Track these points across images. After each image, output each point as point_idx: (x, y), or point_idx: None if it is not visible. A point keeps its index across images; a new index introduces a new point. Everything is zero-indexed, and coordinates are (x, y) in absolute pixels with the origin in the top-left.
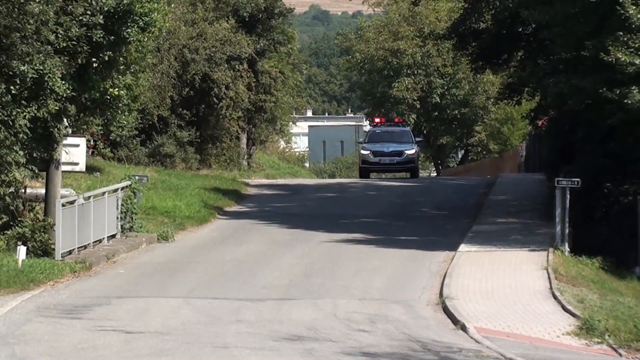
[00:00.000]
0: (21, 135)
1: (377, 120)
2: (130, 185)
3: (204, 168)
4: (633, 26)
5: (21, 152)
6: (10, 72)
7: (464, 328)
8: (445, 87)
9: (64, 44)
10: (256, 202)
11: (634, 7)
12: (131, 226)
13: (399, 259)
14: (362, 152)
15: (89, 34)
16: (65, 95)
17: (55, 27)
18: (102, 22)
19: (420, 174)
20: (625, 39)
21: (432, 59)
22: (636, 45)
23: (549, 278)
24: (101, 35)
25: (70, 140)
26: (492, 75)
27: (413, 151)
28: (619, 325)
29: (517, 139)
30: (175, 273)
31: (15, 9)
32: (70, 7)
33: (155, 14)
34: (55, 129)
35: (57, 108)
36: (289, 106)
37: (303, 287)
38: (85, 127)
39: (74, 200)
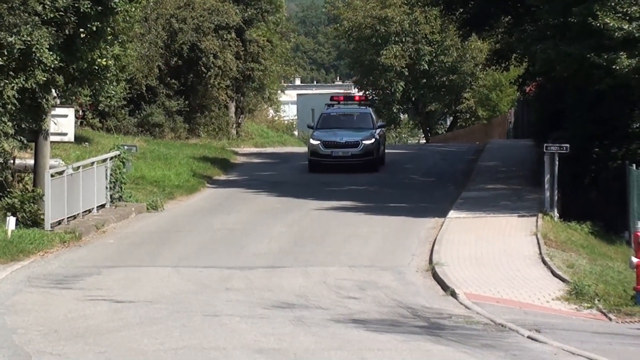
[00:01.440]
0: (9, 107)
1: (336, 98)
2: (119, 155)
3: (192, 137)
4: None
5: (9, 123)
6: None
7: (453, 294)
8: (433, 54)
9: (52, 15)
10: (245, 171)
11: None
12: (120, 196)
13: (388, 226)
14: (312, 141)
15: (77, 5)
16: (53, 66)
17: None
18: None
19: (383, 164)
20: (613, 3)
21: (420, 26)
22: (624, 10)
23: (538, 243)
24: (89, 6)
25: (58, 110)
26: (479, 42)
27: (372, 140)
28: (608, 290)
29: (506, 105)
30: (164, 242)
31: None
32: None
33: None
34: (44, 100)
35: (45, 79)
36: (277, 75)
37: (293, 255)
38: (73, 97)
39: (63, 171)
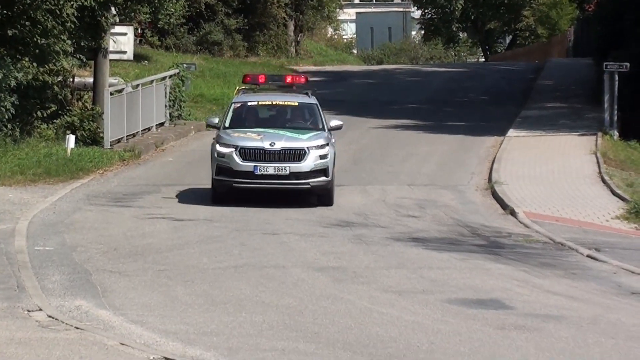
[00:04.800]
0: (69, 24)
1: (250, 78)
2: (178, 73)
3: (251, 55)
4: None
5: (69, 41)
6: None
7: (513, 213)
8: None
9: None
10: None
11: None
12: (179, 114)
13: (447, 145)
14: (218, 148)
15: None
16: None
17: None
18: None
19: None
20: None
21: None
22: None
23: (598, 162)
24: None
25: (117, 29)
26: None
27: (326, 150)
28: None
29: (566, 23)
30: None
31: None
32: None
33: None
34: (103, 18)
35: None
36: None
37: (352, 174)
38: (132, 15)
39: (122, 89)
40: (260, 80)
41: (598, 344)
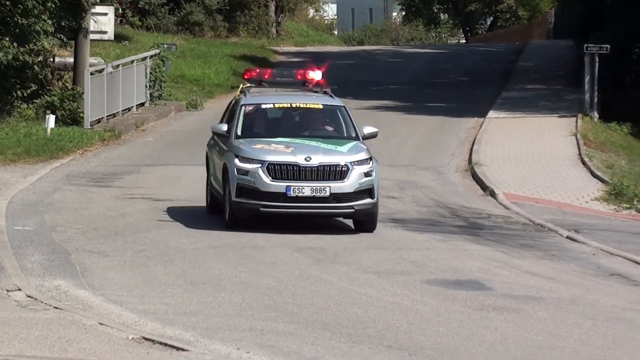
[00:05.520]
0: (49, 4)
1: (253, 73)
2: (159, 53)
3: (232, 36)
4: None
5: (49, 21)
6: None
7: (492, 194)
8: None
9: None
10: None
11: None
12: (160, 94)
13: (427, 126)
14: (240, 164)
15: None
16: None
17: None
18: None
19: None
20: None
21: None
22: None
23: (578, 144)
24: None
25: (98, 8)
26: None
27: (369, 166)
28: None
29: (546, 5)
30: (204, 141)
31: None
32: None
33: None
34: None
35: None
36: None
37: None
38: None
39: (103, 69)
40: (266, 76)
41: (577, 325)
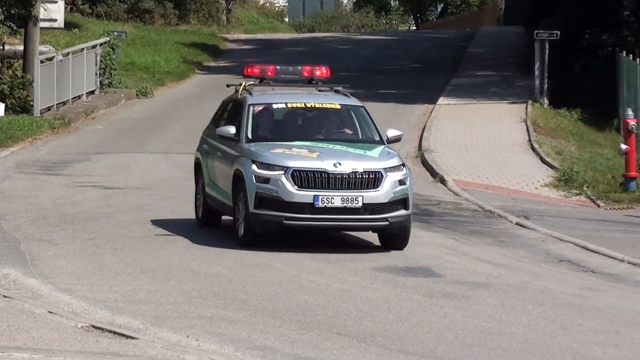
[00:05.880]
0: None
1: (256, 70)
2: (109, 41)
3: (182, 24)
4: None
5: None
6: None
7: (442, 181)
8: None
9: None
10: (235, 57)
11: None
12: (110, 82)
13: (378, 113)
14: (259, 170)
15: None
16: None
17: None
18: None
19: None
20: None
21: None
22: None
23: (528, 130)
24: None
25: None
26: None
27: (403, 173)
28: (597, 177)
29: None
30: (154, 129)
31: None
32: None
33: None
34: None
35: None
36: None
37: None
38: None
39: (53, 57)
40: (269, 73)
41: (526, 311)
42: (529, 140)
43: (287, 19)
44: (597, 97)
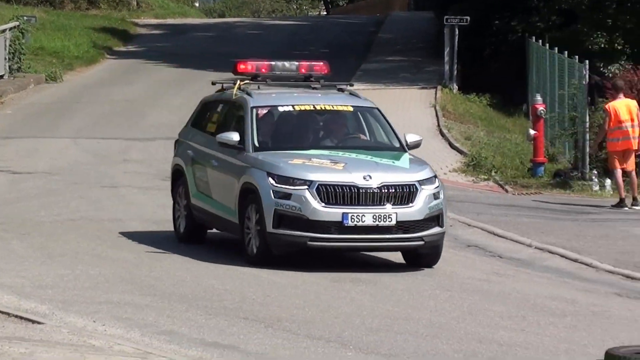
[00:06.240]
0: None
1: (249, 67)
2: (18, 25)
3: (92, 8)
4: None
5: None
6: None
7: None
8: None
9: None
10: (145, 42)
11: None
12: (19, 67)
13: None
14: (278, 185)
15: None
16: None
17: None
18: None
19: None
20: None
21: None
22: None
23: (437, 115)
24: None
25: None
26: None
27: (437, 186)
28: (505, 162)
29: None
30: (63, 113)
31: None
32: None
33: None
34: None
35: None
36: None
37: None
38: None
39: None
40: (263, 70)
41: (433, 296)
42: (438, 125)
43: (197, 4)
44: (507, 82)
